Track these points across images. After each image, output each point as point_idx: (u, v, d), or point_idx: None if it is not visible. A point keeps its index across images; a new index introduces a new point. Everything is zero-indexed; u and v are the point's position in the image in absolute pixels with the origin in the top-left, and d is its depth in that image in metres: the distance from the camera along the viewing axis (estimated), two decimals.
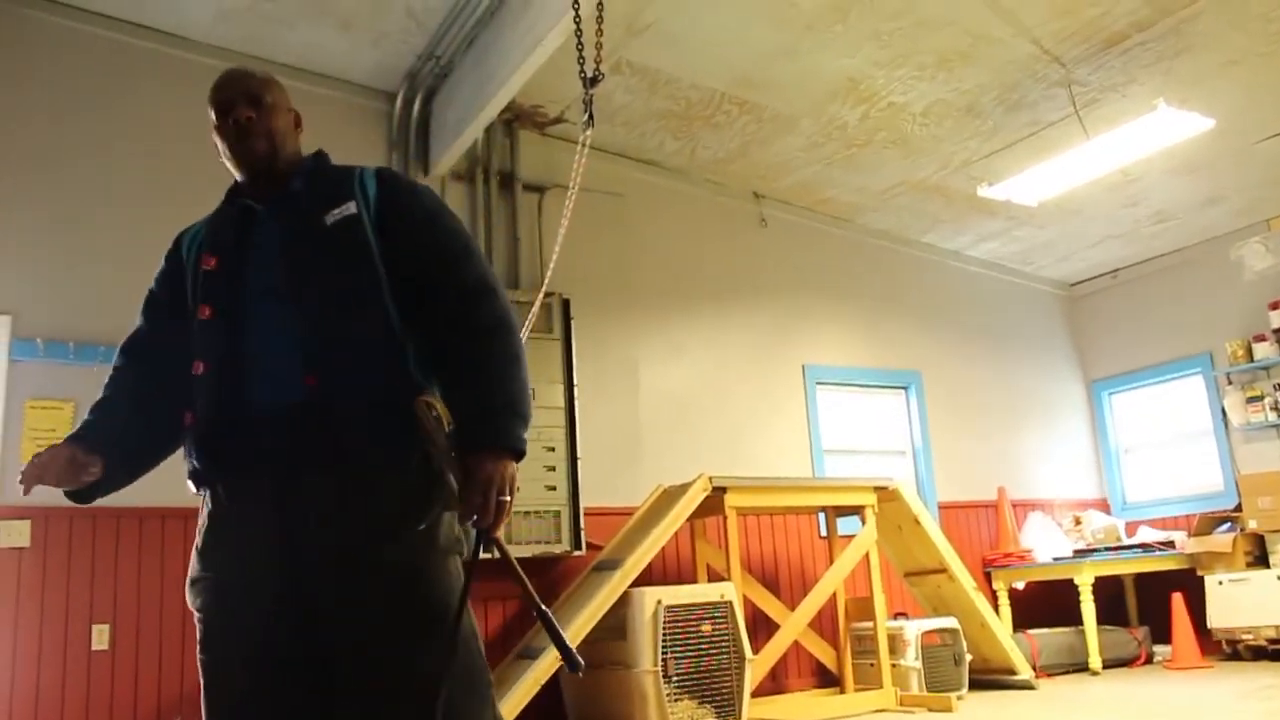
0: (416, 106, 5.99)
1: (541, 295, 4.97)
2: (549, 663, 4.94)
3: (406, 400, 1.87)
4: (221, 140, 2.14)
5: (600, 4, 3.87)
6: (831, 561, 6.06)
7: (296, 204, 2.09)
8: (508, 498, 1.82)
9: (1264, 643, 6.93)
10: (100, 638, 4.82)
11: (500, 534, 1.89)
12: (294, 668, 1.83)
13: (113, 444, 2.09)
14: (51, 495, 2.10)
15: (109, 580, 4.91)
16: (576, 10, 3.85)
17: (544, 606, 1.86)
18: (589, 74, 3.73)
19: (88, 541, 4.89)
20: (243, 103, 2.12)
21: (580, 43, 3.76)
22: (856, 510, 6.13)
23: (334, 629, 1.83)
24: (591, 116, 3.75)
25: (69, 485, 2.01)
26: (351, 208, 2.05)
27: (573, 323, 6.03)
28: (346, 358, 1.91)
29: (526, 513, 5.63)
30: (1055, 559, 7.41)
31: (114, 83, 5.40)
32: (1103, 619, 7.20)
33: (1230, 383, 7.86)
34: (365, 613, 1.82)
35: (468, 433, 1.85)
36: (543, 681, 4.93)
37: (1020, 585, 7.61)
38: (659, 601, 5.12)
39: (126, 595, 4.93)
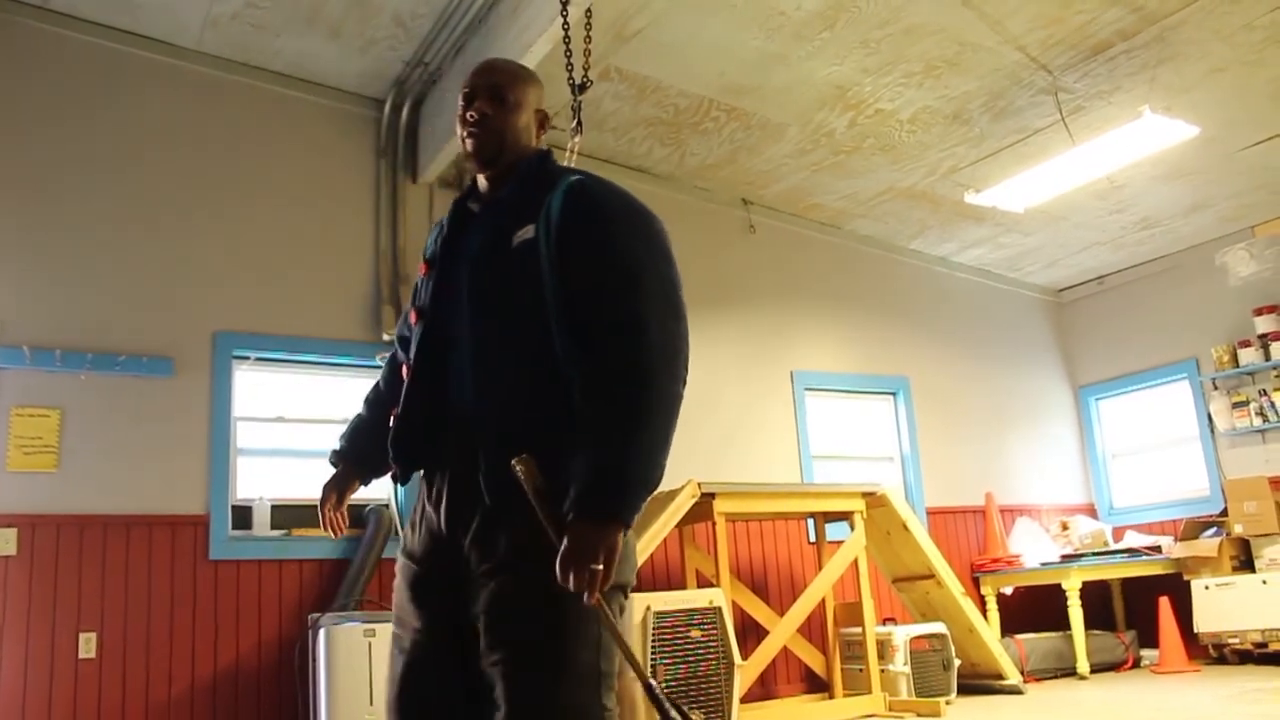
0: (405, 113, 5.99)
1: None
2: None
3: (540, 448, 1.82)
4: (459, 128, 2.11)
5: (589, 11, 3.89)
6: (820, 567, 6.07)
7: (498, 215, 2.04)
8: (599, 568, 1.71)
9: (1250, 646, 6.96)
10: (87, 646, 4.80)
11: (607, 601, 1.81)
12: (439, 617, 1.94)
13: (358, 459, 2.32)
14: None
15: (96, 588, 4.89)
16: (565, 17, 3.86)
17: (651, 680, 1.83)
18: (577, 81, 3.74)
19: (75, 549, 4.87)
20: (484, 96, 2.08)
21: (569, 49, 3.77)
22: (845, 516, 6.14)
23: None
24: (580, 123, 3.75)
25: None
26: (531, 231, 1.94)
27: None
28: (497, 390, 1.91)
29: None
30: (1043, 564, 7.44)
31: (104, 90, 5.39)
32: (1090, 623, 7.23)
33: (1216, 388, 7.90)
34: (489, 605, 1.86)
35: (573, 497, 1.75)
36: None
37: (1008, 590, 7.63)
38: (648, 608, 5.12)
39: (114, 603, 4.91)
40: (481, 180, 2.15)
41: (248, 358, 5.55)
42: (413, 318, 2.11)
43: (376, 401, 2.34)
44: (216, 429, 5.33)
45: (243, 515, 5.37)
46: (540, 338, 1.89)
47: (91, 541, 4.92)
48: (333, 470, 2.33)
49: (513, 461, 1.80)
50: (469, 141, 2.08)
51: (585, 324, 1.85)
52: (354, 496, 2.37)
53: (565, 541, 1.72)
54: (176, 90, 5.58)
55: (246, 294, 5.54)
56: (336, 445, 2.34)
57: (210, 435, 5.31)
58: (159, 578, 5.03)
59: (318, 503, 2.32)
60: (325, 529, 2.33)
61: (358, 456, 2.31)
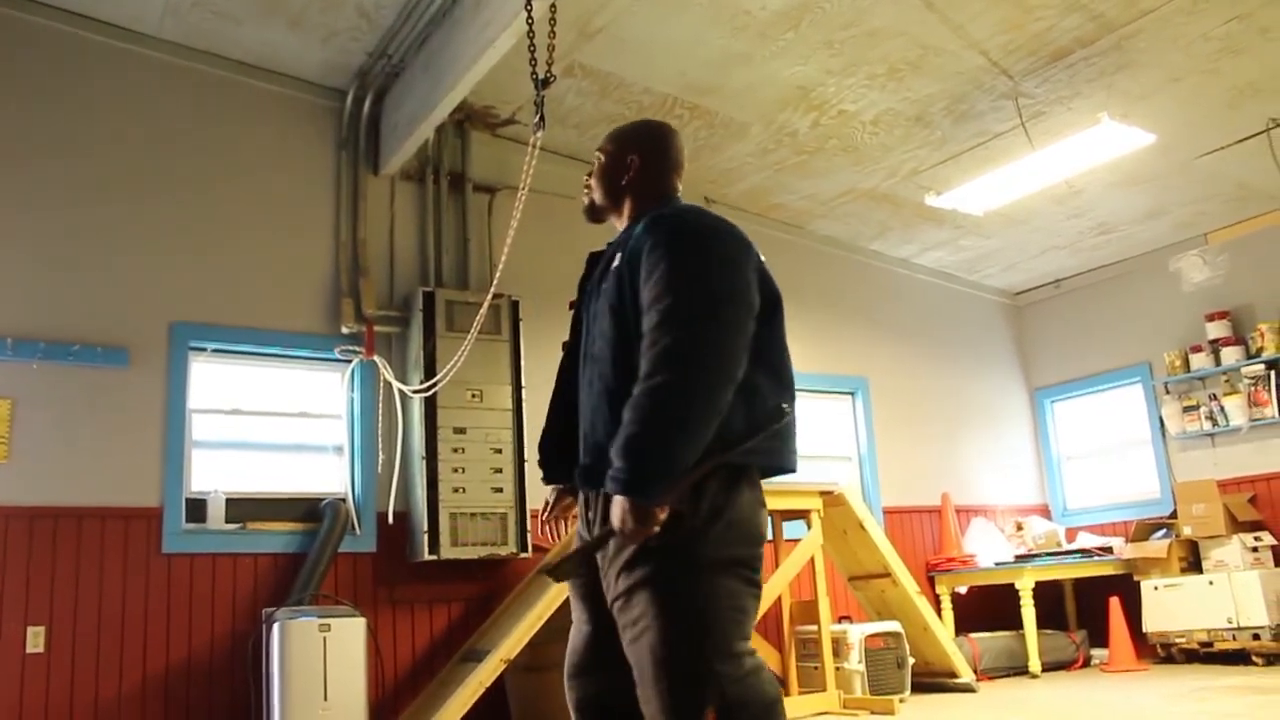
0: (367, 105, 5.96)
1: (490, 296, 4.96)
2: (494, 665, 4.93)
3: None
4: None
5: (553, 6, 3.88)
6: (777, 565, 6.09)
7: (610, 253, 2.36)
8: (627, 536, 1.98)
9: (1196, 646, 7.07)
10: (36, 640, 4.73)
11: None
12: (594, 602, 2.25)
13: (554, 466, 2.53)
14: None
15: (46, 581, 4.82)
16: (529, 12, 3.85)
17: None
18: (541, 75, 3.73)
19: (24, 541, 4.80)
20: (597, 149, 2.49)
21: (533, 44, 3.76)
22: (802, 515, 6.17)
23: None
24: (543, 118, 3.74)
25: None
26: (617, 261, 2.24)
27: (521, 324, 6.02)
28: (594, 400, 2.23)
29: (472, 514, 5.61)
30: (997, 564, 7.52)
31: (61, 75, 5.31)
32: (1043, 623, 7.31)
33: (1168, 392, 8.01)
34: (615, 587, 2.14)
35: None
36: (487, 684, 4.92)
37: (963, 590, 7.70)
38: None
39: (64, 597, 4.84)
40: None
41: (204, 349, 5.49)
42: (564, 346, 2.50)
43: (555, 424, 2.60)
44: (172, 421, 5.27)
45: (197, 508, 5.31)
46: (620, 352, 2.16)
47: (42, 533, 4.85)
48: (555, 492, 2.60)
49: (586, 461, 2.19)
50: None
51: (645, 331, 2.08)
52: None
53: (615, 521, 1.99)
54: (136, 77, 5.51)
55: (204, 285, 5.48)
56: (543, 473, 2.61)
57: (165, 427, 5.24)
58: (111, 571, 4.97)
59: (541, 517, 2.61)
60: (544, 535, 2.63)
61: (550, 482, 2.58)
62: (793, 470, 2.23)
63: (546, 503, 2.57)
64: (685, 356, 1.99)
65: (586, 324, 2.34)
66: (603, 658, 2.20)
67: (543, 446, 2.49)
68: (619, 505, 1.96)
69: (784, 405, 2.17)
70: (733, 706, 2.00)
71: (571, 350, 2.44)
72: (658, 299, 2.06)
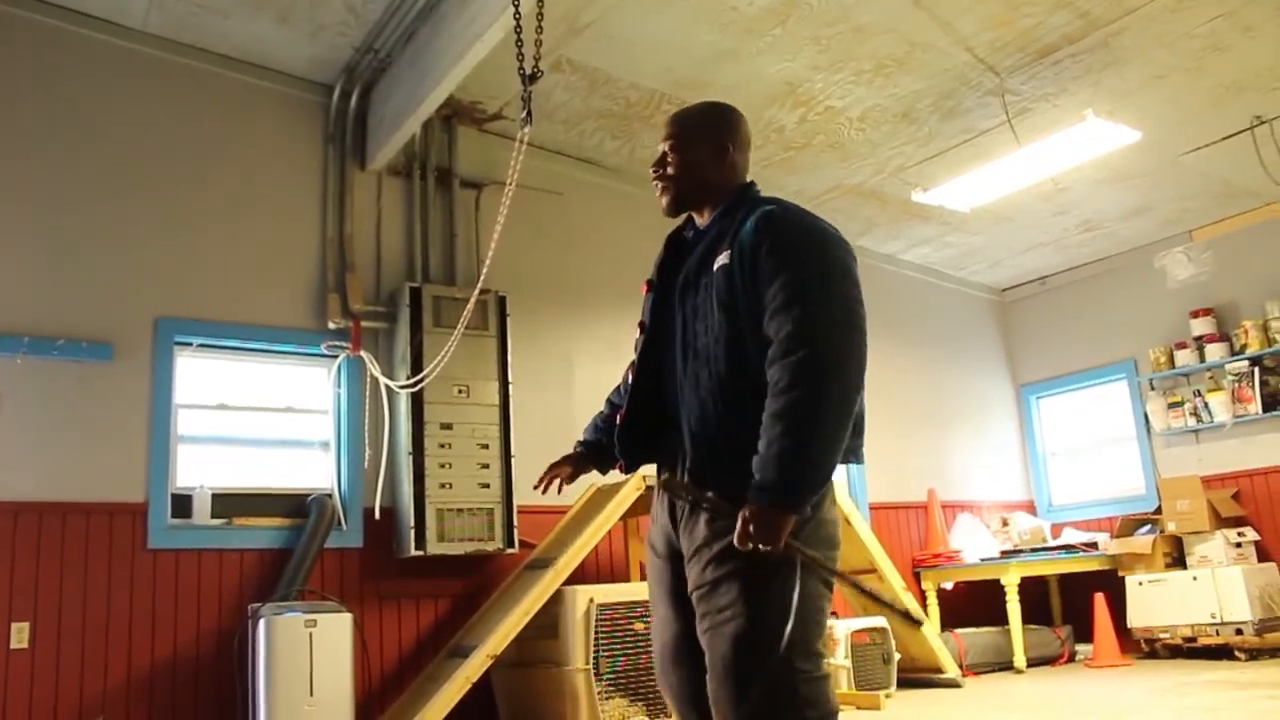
0: (354, 100, 5.94)
1: (477, 292, 4.96)
2: (480, 661, 4.93)
3: (731, 447, 2.12)
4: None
5: (540, 1, 3.87)
6: None
7: (703, 243, 2.31)
8: (764, 545, 1.97)
9: (1180, 641, 7.11)
10: (19, 636, 4.71)
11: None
12: (680, 598, 2.25)
13: (596, 451, 2.57)
14: None
15: (30, 577, 4.80)
16: (516, 7, 3.85)
17: (860, 583, 2.17)
18: (528, 71, 3.73)
19: (7, 537, 4.77)
20: (663, 135, 2.41)
21: (520, 39, 3.76)
22: None
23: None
24: (530, 114, 3.74)
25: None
26: (726, 257, 2.20)
27: (508, 320, 6.01)
28: (696, 396, 2.21)
29: (459, 510, 5.60)
30: (983, 559, 7.54)
31: (45, 69, 5.28)
32: (1028, 618, 7.34)
33: (1153, 389, 8.05)
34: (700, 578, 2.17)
35: (751, 485, 2.02)
36: (474, 679, 4.92)
37: (949, 585, 7.73)
38: (591, 600, 5.13)
39: (48, 593, 4.82)
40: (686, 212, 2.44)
41: (190, 344, 5.47)
42: (640, 329, 2.43)
43: (614, 402, 2.64)
44: (157, 416, 5.25)
45: (183, 503, 5.29)
46: (734, 350, 2.15)
47: (26, 529, 4.83)
48: (574, 451, 2.60)
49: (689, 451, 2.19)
50: (655, 181, 2.41)
51: (771, 337, 2.09)
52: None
53: (739, 522, 1.99)
54: (121, 71, 5.48)
55: (190, 279, 5.46)
56: (581, 437, 2.62)
57: (150, 422, 5.22)
58: (95, 566, 4.95)
59: (549, 465, 2.57)
60: (542, 484, 2.57)
61: (596, 448, 2.57)
62: (861, 462, 2.31)
63: (566, 465, 2.57)
64: (825, 368, 2.03)
65: (684, 319, 2.29)
66: (696, 649, 2.22)
67: (625, 434, 2.39)
68: (760, 512, 1.98)
69: (864, 403, 2.25)
70: (803, 705, 2.03)
71: (650, 334, 2.39)
72: (787, 305, 2.07)
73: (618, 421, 2.41)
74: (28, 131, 5.19)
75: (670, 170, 2.37)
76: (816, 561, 2.07)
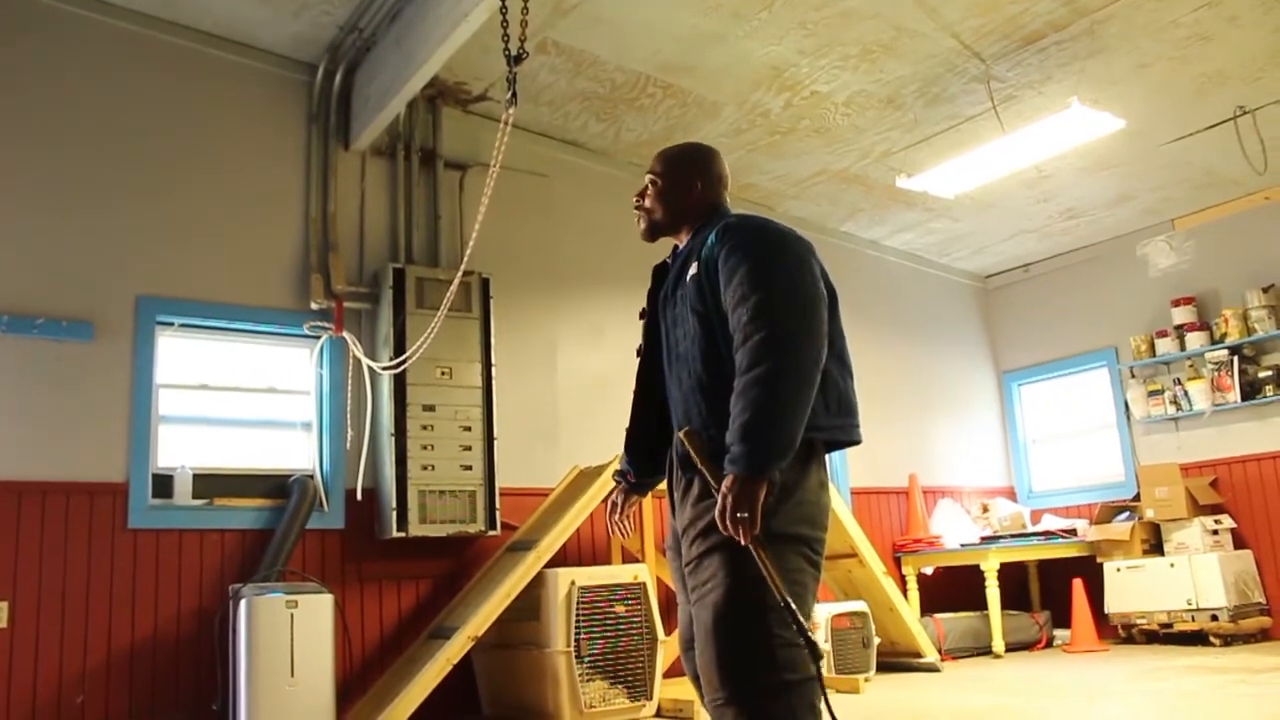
0: (338, 79, 5.90)
1: (460, 273, 4.95)
2: (461, 642, 4.94)
3: (712, 430, 2.30)
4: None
5: None
6: None
7: (678, 261, 2.57)
8: (742, 514, 2.11)
9: (1156, 627, 7.18)
10: None
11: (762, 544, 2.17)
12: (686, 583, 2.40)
13: (639, 481, 2.79)
14: None
15: (9, 556, 4.77)
16: None
17: (788, 600, 2.14)
18: (513, 52, 3.72)
19: None
20: (648, 169, 2.68)
21: (505, 20, 3.74)
22: None
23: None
24: (515, 95, 3.73)
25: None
26: (695, 268, 2.43)
27: (492, 302, 6.00)
28: (682, 392, 2.44)
29: (441, 492, 5.60)
30: (963, 545, 7.59)
31: (28, 46, 5.22)
32: (1007, 604, 7.40)
33: (1133, 376, 8.10)
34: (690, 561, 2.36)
35: (726, 458, 2.17)
36: (455, 661, 4.93)
37: (929, 570, 7.78)
38: (573, 582, 5.14)
39: (28, 572, 4.80)
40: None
41: (172, 323, 5.44)
42: (639, 351, 2.68)
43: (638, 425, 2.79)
44: (138, 395, 5.22)
45: (164, 483, 5.27)
46: (709, 351, 2.35)
47: (5, 508, 4.80)
48: (617, 485, 2.82)
49: (678, 434, 2.37)
50: (636, 223, 2.68)
51: (735, 328, 2.25)
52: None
53: (719, 498, 2.14)
54: (101, 47, 5.43)
55: (171, 259, 5.43)
56: (620, 467, 2.80)
57: (131, 401, 5.20)
58: (76, 546, 4.93)
59: (608, 516, 2.82)
60: (614, 532, 2.82)
61: (638, 479, 2.78)
62: (859, 442, 2.43)
63: (614, 503, 2.78)
64: (782, 344, 2.17)
65: (666, 330, 2.53)
66: None
67: (631, 450, 2.71)
68: (734, 483, 2.12)
69: (851, 386, 2.42)
70: (782, 668, 2.13)
71: (646, 358, 2.65)
72: (744, 297, 2.24)
73: (624, 437, 2.71)
74: (6, 108, 5.14)
75: (646, 201, 2.64)
76: (770, 571, 2.14)
